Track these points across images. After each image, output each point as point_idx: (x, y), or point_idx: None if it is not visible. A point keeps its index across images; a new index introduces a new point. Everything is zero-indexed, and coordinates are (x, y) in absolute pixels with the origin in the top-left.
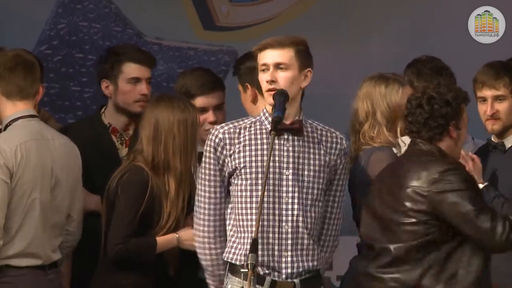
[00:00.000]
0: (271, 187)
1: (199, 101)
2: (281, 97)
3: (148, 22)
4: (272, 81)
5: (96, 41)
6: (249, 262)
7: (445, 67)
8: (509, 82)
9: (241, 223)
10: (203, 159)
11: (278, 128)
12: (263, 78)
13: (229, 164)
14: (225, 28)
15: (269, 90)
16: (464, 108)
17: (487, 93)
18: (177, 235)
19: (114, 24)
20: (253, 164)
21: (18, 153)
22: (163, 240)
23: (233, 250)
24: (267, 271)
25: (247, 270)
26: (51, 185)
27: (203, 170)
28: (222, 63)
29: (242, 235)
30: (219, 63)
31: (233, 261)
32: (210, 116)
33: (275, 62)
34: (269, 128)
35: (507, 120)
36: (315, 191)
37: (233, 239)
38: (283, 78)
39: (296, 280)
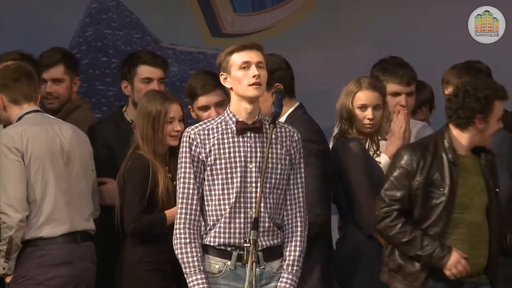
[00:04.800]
0: (239, 179)
1: (202, 100)
2: (279, 95)
3: (163, 30)
4: (258, 76)
5: (119, 46)
6: (251, 237)
7: (406, 62)
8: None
9: (215, 213)
10: (180, 159)
11: (242, 128)
12: (249, 73)
13: (203, 162)
14: (230, 35)
15: (255, 83)
16: (497, 104)
17: (450, 90)
18: None
19: (134, 31)
20: (223, 161)
21: (24, 136)
22: (171, 212)
23: (213, 234)
24: (233, 248)
25: (228, 249)
26: (63, 160)
27: (181, 169)
28: None
29: (217, 223)
30: None
31: (210, 244)
32: (212, 112)
33: (257, 61)
34: (234, 127)
35: None
36: (273, 180)
37: (208, 227)
38: (263, 75)
39: (260, 253)
